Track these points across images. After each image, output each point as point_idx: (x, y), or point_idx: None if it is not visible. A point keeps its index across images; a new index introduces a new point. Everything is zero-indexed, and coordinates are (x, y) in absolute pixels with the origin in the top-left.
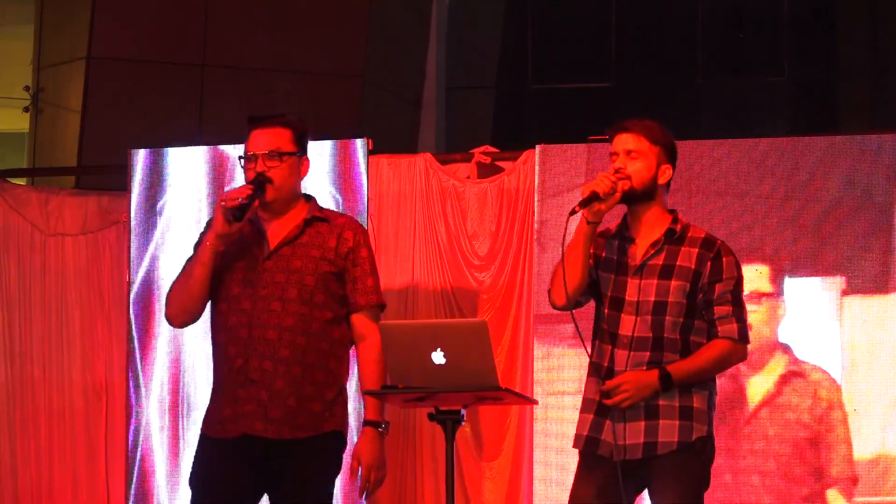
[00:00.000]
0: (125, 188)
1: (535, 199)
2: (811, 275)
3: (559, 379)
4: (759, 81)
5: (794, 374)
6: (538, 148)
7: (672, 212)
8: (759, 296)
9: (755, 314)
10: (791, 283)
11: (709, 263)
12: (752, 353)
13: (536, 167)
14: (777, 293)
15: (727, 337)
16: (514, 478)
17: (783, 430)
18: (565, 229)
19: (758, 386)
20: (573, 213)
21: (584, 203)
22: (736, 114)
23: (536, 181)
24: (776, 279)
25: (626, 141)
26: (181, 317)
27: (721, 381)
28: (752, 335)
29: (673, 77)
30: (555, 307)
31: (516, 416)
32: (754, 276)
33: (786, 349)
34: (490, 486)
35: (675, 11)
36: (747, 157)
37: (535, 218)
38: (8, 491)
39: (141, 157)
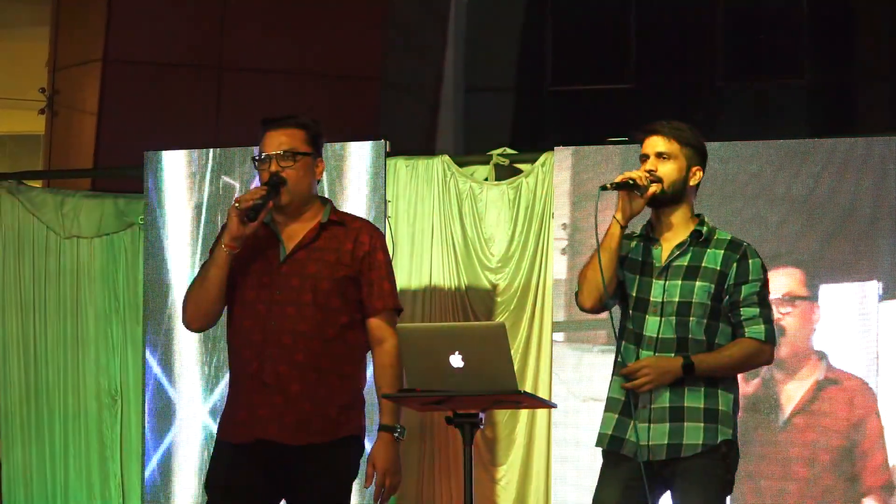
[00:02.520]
0: (141, 190)
1: (554, 201)
2: (846, 280)
3: (583, 378)
4: (779, 83)
5: (829, 381)
6: (557, 150)
7: (698, 215)
8: (792, 300)
9: (788, 318)
10: (826, 289)
11: (735, 265)
12: (787, 359)
13: (554, 169)
14: (811, 298)
15: (753, 337)
16: (524, 483)
17: (818, 437)
18: (595, 221)
19: (792, 392)
20: (604, 188)
21: (617, 186)
22: (755, 116)
23: (555, 183)
24: (810, 284)
25: (656, 143)
26: (198, 320)
27: (756, 388)
28: (785, 341)
29: (692, 79)
30: (583, 309)
31: (526, 419)
32: (787, 281)
33: (821, 356)
34: (501, 493)
35: (695, 13)
36: (771, 158)
37: (554, 220)
38: (22, 494)
39: (157, 159)
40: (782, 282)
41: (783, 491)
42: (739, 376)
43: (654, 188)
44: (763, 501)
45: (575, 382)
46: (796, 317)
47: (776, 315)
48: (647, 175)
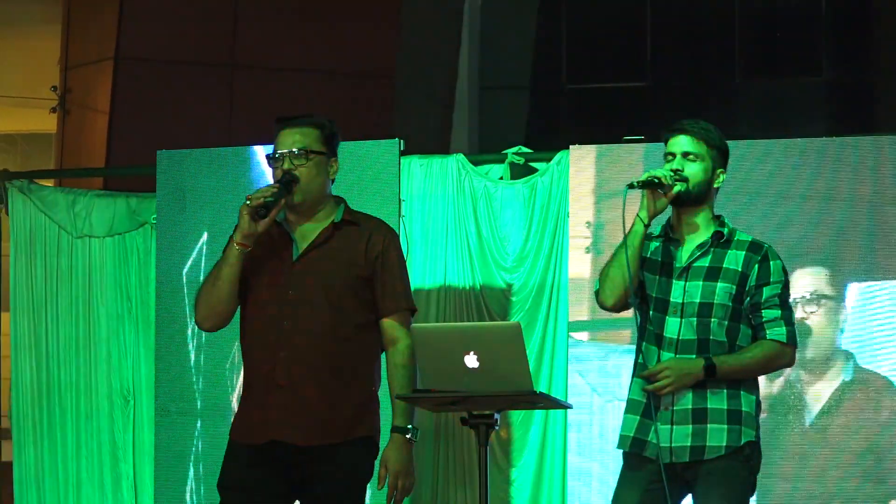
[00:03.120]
0: (153, 189)
1: (578, 199)
2: (873, 279)
3: (607, 377)
4: (797, 81)
5: (857, 381)
6: (572, 148)
7: (718, 216)
8: (818, 299)
9: (814, 317)
10: (853, 288)
11: (756, 266)
12: (813, 360)
13: (577, 167)
14: (838, 298)
15: (775, 339)
16: (538, 484)
17: (845, 438)
18: (623, 218)
19: (819, 393)
20: (631, 186)
21: (643, 184)
22: (773, 114)
23: (577, 181)
24: (837, 284)
25: (684, 143)
26: (210, 320)
27: (781, 388)
28: (811, 341)
29: (709, 76)
30: (603, 307)
31: (542, 420)
32: (813, 280)
33: (847, 356)
34: (515, 494)
35: (711, 10)
36: (790, 157)
37: (570, 219)
38: (35, 495)
39: (169, 158)
40: (808, 281)
41: (811, 493)
42: (761, 377)
43: (678, 187)
44: (791, 502)
45: (599, 383)
46: (822, 316)
47: (802, 314)
48: (673, 174)
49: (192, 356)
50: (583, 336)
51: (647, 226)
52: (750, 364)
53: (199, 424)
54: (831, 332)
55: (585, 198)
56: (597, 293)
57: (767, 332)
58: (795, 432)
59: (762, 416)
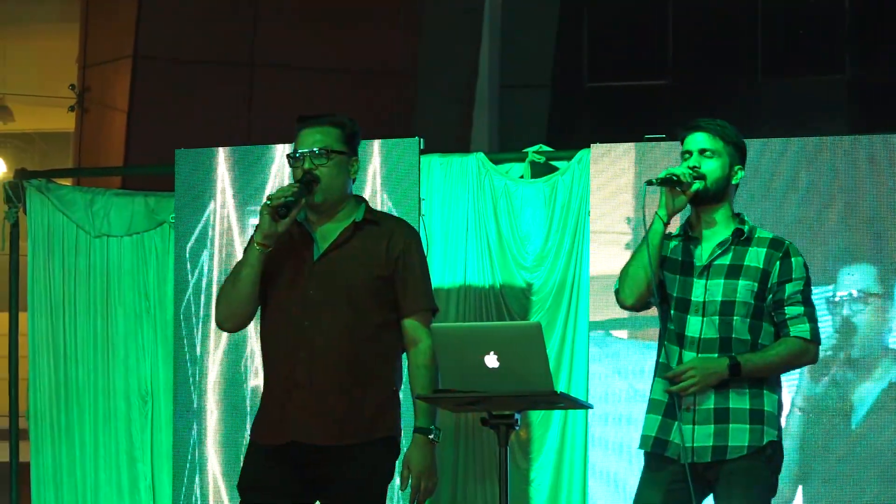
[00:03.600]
0: (172, 189)
1: (591, 198)
2: None
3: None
4: (819, 79)
5: None
6: (593, 147)
7: (738, 214)
8: (866, 297)
9: (861, 316)
10: None
11: (778, 263)
12: (860, 359)
13: (591, 167)
14: (886, 295)
15: (799, 336)
16: (557, 483)
17: (890, 439)
18: (644, 216)
19: (866, 394)
20: (650, 183)
21: (661, 181)
22: (796, 112)
23: (591, 181)
24: (885, 280)
25: (701, 140)
26: (231, 320)
27: (826, 388)
28: (858, 340)
29: (731, 75)
30: (623, 307)
31: (561, 420)
32: (861, 278)
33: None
34: (534, 493)
35: (735, 8)
36: (813, 156)
37: (591, 218)
38: (52, 495)
39: (188, 157)
40: (855, 279)
41: (854, 496)
42: (806, 376)
43: (697, 185)
44: (841, 501)
45: (620, 382)
46: (870, 314)
47: (848, 312)
48: (691, 171)
49: (210, 356)
50: (622, 334)
51: (666, 224)
52: (774, 361)
53: (217, 425)
54: (878, 330)
55: (606, 197)
56: (616, 292)
57: (791, 329)
58: (841, 433)
59: (804, 416)
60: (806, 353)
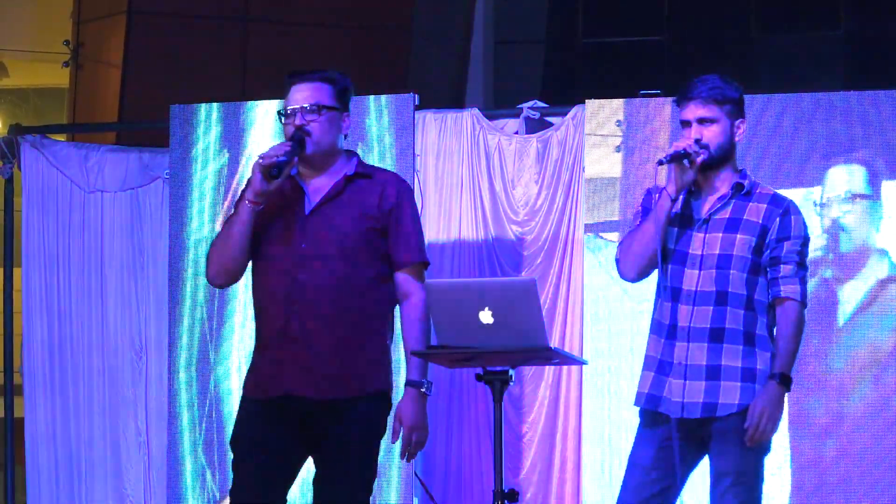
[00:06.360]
0: (166, 144)
1: (584, 154)
2: None
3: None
4: (815, 34)
5: (892, 279)
6: (588, 103)
7: (741, 170)
8: (853, 198)
9: (849, 216)
10: (889, 186)
11: (777, 219)
12: (846, 257)
13: (585, 122)
14: (874, 197)
15: (790, 297)
16: (549, 439)
17: (880, 335)
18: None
19: (852, 292)
20: (660, 163)
21: (671, 158)
22: (791, 68)
23: (585, 136)
24: (873, 181)
25: (696, 109)
26: (222, 276)
27: (815, 287)
28: (846, 239)
29: (726, 30)
30: (624, 278)
31: (552, 375)
32: (848, 178)
33: (882, 254)
34: (525, 449)
35: None
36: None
37: (584, 174)
38: (45, 452)
39: (182, 112)
40: (843, 179)
41: (842, 389)
42: None
43: (703, 158)
44: (827, 398)
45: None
46: (857, 214)
47: (837, 213)
48: (695, 147)
49: (204, 311)
50: (613, 237)
51: (674, 200)
52: (793, 343)
53: (211, 381)
54: (866, 230)
55: (600, 153)
56: (617, 261)
57: (782, 287)
58: (828, 331)
59: None
60: (802, 319)
